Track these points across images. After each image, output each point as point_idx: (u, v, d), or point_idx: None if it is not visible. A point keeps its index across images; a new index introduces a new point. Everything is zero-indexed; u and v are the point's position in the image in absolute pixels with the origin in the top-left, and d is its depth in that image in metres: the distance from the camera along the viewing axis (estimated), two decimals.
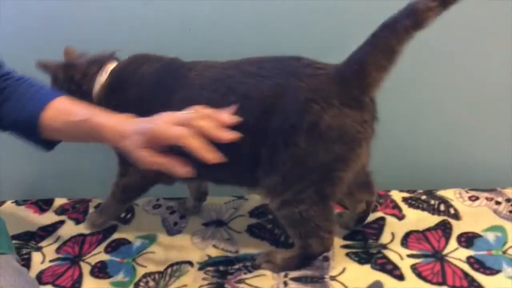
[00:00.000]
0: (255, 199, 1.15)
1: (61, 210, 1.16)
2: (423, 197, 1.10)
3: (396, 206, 1.08)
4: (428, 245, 0.96)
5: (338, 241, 0.99)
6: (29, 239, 1.06)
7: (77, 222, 1.12)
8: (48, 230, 1.09)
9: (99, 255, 1.01)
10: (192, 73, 0.87)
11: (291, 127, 0.78)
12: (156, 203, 1.16)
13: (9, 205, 1.20)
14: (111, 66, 0.96)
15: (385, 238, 0.99)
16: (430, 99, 1.18)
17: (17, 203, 1.20)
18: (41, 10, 1.16)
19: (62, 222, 1.12)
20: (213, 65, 0.88)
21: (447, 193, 1.10)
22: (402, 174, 1.21)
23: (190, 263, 0.96)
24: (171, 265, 0.96)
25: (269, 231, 1.04)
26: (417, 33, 0.74)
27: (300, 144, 0.78)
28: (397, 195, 1.12)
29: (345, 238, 1.00)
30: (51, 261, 1.00)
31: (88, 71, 0.96)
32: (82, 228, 1.09)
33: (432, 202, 1.08)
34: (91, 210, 1.16)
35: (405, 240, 0.98)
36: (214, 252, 0.99)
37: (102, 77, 0.95)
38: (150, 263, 0.97)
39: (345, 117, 0.77)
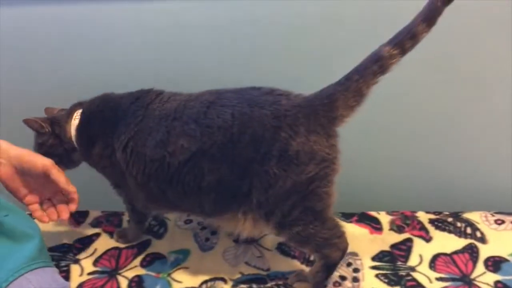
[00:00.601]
0: None
1: (96, 223, 1.20)
2: (450, 219, 1.13)
3: (423, 228, 1.11)
4: (456, 268, 0.98)
5: (367, 262, 1.02)
6: (67, 252, 1.10)
7: (112, 235, 1.15)
8: (85, 243, 1.13)
9: (135, 269, 1.04)
10: (154, 104, 0.93)
11: (263, 155, 0.83)
12: (188, 218, 1.19)
13: None
14: (79, 110, 1.02)
15: (413, 260, 1.02)
16: (457, 123, 1.20)
17: None
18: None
19: (97, 235, 1.15)
20: (175, 97, 0.93)
21: (473, 216, 1.13)
22: (428, 195, 1.24)
23: (223, 279, 1.00)
24: (205, 281, 0.99)
25: (298, 249, 1.07)
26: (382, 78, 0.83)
27: (271, 170, 0.83)
28: (423, 217, 1.14)
29: (373, 259, 1.03)
30: (89, 273, 1.03)
31: (62, 123, 1.03)
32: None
33: (459, 224, 1.11)
34: (124, 224, 1.19)
35: (433, 263, 1.00)
36: (246, 270, 1.02)
37: (75, 122, 1.01)
38: (185, 279, 1.01)
39: (313, 143, 0.82)
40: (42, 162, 0.90)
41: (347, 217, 1.17)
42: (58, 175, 0.90)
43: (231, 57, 1.17)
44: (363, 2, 1.07)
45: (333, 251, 0.91)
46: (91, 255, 1.09)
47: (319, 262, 0.94)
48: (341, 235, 0.92)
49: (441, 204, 1.21)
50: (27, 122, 1.01)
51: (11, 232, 0.86)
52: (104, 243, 1.13)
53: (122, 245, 1.12)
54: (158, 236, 1.14)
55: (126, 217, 1.21)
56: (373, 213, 1.18)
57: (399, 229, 1.11)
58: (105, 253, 1.10)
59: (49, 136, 1.03)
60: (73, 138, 1.02)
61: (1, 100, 1.23)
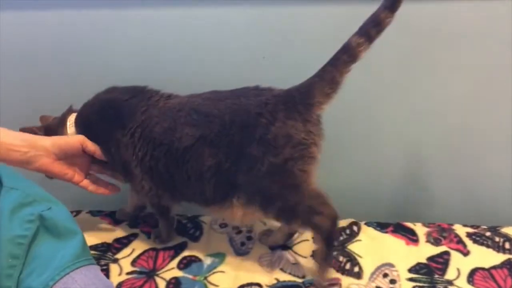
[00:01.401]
0: None
1: (133, 223, 1.22)
2: (488, 233, 1.11)
3: (460, 241, 1.10)
4: (495, 284, 0.97)
5: (403, 274, 1.02)
6: (106, 251, 1.12)
7: (149, 236, 1.17)
8: (123, 243, 1.15)
9: (172, 271, 1.06)
10: (155, 97, 1.02)
11: (246, 137, 0.91)
12: (223, 222, 1.20)
13: (84, 215, 1.26)
14: (72, 117, 1.09)
15: (451, 274, 1.01)
16: (496, 136, 1.19)
17: (92, 213, 1.27)
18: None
19: (135, 235, 1.17)
20: (177, 95, 1.04)
21: None
22: (465, 208, 1.23)
23: (259, 285, 1.00)
24: (242, 286, 1.00)
25: (334, 258, 1.07)
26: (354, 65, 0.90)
27: (252, 152, 0.90)
28: (460, 230, 1.13)
29: (410, 271, 1.03)
30: (127, 273, 1.05)
31: (57, 132, 1.08)
32: (155, 242, 1.15)
33: (497, 239, 1.09)
34: (160, 224, 1.21)
35: (471, 277, 1.00)
36: (282, 276, 1.03)
37: (72, 129, 1.08)
38: (222, 283, 1.02)
39: (289, 127, 0.90)
40: (76, 138, 1.03)
41: (383, 227, 1.16)
42: (93, 147, 1.03)
43: (243, 62, 1.19)
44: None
45: (321, 220, 0.94)
46: (129, 255, 1.11)
47: (316, 238, 0.99)
48: (326, 202, 0.96)
49: (478, 218, 1.19)
50: (23, 130, 1.04)
51: (54, 227, 0.87)
52: (142, 243, 1.15)
53: (159, 246, 1.13)
54: (194, 239, 1.16)
55: None
56: (409, 224, 1.17)
57: (436, 242, 1.10)
58: (142, 253, 1.11)
59: None
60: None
61: (1, 104, 1.25)
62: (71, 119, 1.09)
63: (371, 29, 0.88)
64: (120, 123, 1.02)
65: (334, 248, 1.03)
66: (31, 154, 0.96)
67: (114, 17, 1.19)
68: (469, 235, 1.12)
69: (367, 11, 1.04)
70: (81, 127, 1.08)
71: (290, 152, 0.90)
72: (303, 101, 0.92)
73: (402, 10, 0.88)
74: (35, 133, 1.05)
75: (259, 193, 0.94)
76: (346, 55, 0.89)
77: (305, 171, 0.92)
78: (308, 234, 1.14)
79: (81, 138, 1.03)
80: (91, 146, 1.03)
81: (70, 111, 1.11)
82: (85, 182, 1.06)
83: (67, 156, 1.01)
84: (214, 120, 0.93)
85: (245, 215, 0.97)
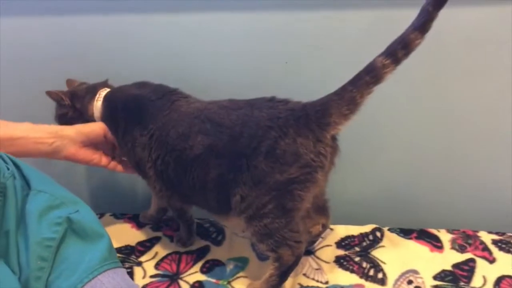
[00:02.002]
0: (340, 229, 1.18)
1: (156, 227, 1.22)
2: None
3: (486, 248, 1.09)
4: None
5: (428, 281, 1.01)
6: (130, 253, 1.13)
7: (172, 239, 1.18)
8: (146, 246, 1.16)
9: (195, 274, 1.06)
10: (181, 101, 1.01)
11: (253, 150, 0.88)
12: None
13: (108, 218, 1.27)
14: (103, 92, 1.09)
15: (476, 281, 1.00)
16: None
17: (115, 216, 1.28)
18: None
19: (158, 239, 1.18)
20: (198, 100, 1.03)
21: None
22: (491, 215, 1.21)
23: None
24: None
25: (357, 264, 1.07)
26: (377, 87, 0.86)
27: (259, 165, 0.88)
28: (486, 237, 1.12)
29: (435, 278, 1.02)
30: (151, 276, 1.06)
31: (84, 100, 1.09)
32: (178, 246, 1.15)
33: None
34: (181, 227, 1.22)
35: (498, 286, 0.99)
36: (305, 281, 1.03)
37: (98, 103, 1.08)
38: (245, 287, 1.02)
39: (299, 145, 0.87)
40: (98, 125, 1.06)
41: (406, 233, 1.15)
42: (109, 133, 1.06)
43: (265, 66, 1.19)
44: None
45: (287, 253, 0.93)
46: (152, 258, 1.12)
47: (273, 265, 0.96)
48: (300, 241, 0.94)
49: (503, 225, 1.18)
50: (49, 93, 1.09)
51: (82, 230, 0.87)
52: (165, 246, 1.16)
53: (181, 250, 1.14)
54: (217, 243, 1.16)
55: None
56: (433, 231, 1.16)
57: (461, 249, 1.09)
58: (166, 257, 1.12)
59: (68, 109, 1.10)
60: (95, 117, 1.09)
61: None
62: (102, 93, 1.09)
63: (399, 50, 0.84)
64: (141, 122, 1.01)
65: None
66: (57, 144, 0.99)
67: (130, 22, 1.20)
68: (494, 242, 1.11)
69: (391, 16, 1.06)
70: (106, 109, 1.08)
71: (296, 173, 0.88)
72: (318, 119, 0.88)
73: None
74: (60, 97, 1.09)
75: (253, 207, 0.91)
76: (370, 76, 0.85)
77: (302, 198, 0.90)
78: (331, 239, 1.14)
79: (103, 125, 1.06)
80: (111, 135, 1.06)
81: (105, 84, 1.12)
82: (113, 164, 1.10)
83: (91, 143, 1.05)
84: (224, 131, 0.92)
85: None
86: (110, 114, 1.07)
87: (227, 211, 0.96)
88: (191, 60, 1.20)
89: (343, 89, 0.88)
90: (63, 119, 1.11)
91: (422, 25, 0.82)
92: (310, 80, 1.18)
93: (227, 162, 0.91)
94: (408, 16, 1.05)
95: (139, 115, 1.02)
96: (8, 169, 0.85)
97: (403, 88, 1.13)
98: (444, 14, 0.84)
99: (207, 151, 0.93)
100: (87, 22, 1.19)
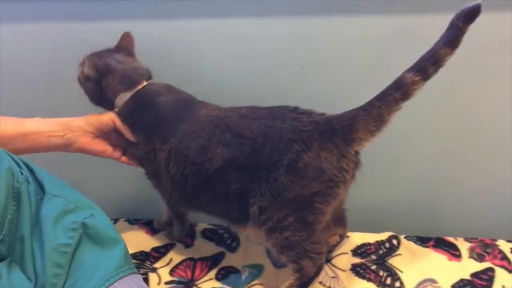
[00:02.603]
0: (356, 237, 1.17)
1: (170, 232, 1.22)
2: None
3: (504, 258, 1.07)
4: None
5: None
6: (145, 259, 1.13)
7: (187, 245, 1.17)
8: (161, 252, 1.15)
9: (210, 281, 1.06)
10: (202, 110, 0.98)
11: (274, 163, 0.87)
12: None
13: (122, 223, 1.27)
14: (138, 86, 1.03)
15: None
16: None
17: (130, 222, 1.28)
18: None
19: (172, 245, 1.18)
20: (219, 107, 0.99)
21: None
22: (509, 223, 1.19)
23: None
24: None
25: (374, 272, 1.06)
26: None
27: (279, 178, 0.86)
28: (505, 245, 1.11)
29: (453, 287, 1.00)
30: (166, 283, 1.06)
31: (117, 86, 1.03)
32: (192, 252, 1.15)
33: None
34: (197, 234, 1.21)
35: None
36: None
37: (126, 96, 1.03)
38: None
39: (323, 160, 0.85)
40: (107, 116, 1.03)
41: (423, 241, 1.14)
42: (122, 124, 1.03)
43: (280, 72, 1.18)
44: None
45: (309, 265, 0.93)
46: (167, 264, 1.11)
47: (293, 276, 0.95)
48: (321, 253, 0.94)
49: None
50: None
51: (97, 235, 0.86)
52: (179, 253, 1.15)
53: (196, 256, 1.13)
54: (231, 250, 1.15)
55: (199, 228, 1.23)
56: (451, 239, 1.15)
57: (479, 257, 1.08)
58: (180, 263, 1.12)
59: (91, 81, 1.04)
60: (116, 106, 1.05)
61: None
62: (136, 88, 1.04)
63: (429, 66, 0.82)
64: (162, 134, 0.99)
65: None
66: (68, 135, 0.99)
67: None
68: None
69: (407, 23, 1.06)
70: (131, 107, 1.03)
71: (318, 187, 0.86)
72: (343, 134, 0.86)
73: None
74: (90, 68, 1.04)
75: (273, 219, 0.89)
76: (399, 93, 0.83)
77: (323, 211, 0.89)
78: (347, 247, 1.13)
79: (112, 115, 1.04)
80: (119, 123, 1.03)
81: (148, 77, 1.07)
82: (125, 158, 1.08)
83: (102, 133, 1.04)
84: (245, 142, 0.90)
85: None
86: (133, 114, 1.03)
87: (247, 221, 0.94)
88: (206, 65, 1.20)
89: (371, 104, 0.86)
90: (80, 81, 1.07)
91: (453, 40, 0.81)
92: (325, 86, 1.17)
93: (248, 174, 0.90)
94: (423, 22, 1.06)
95: (160, 126, 1.00)
96: (22, 173, 0.85)
97: (422, 96, 1.12)
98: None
99: (228, 164, 0.90)
100: (94, 27, 1.19)
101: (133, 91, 1.03)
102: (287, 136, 0.87)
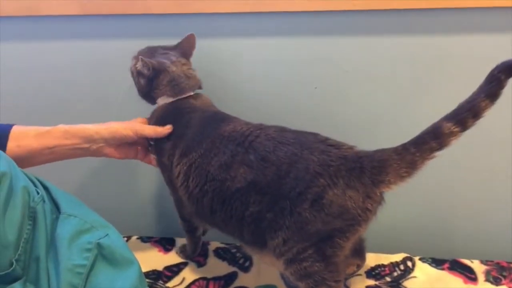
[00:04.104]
0: (370, 258, 1.16)
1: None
2: None
3: None
4: None
5: None
6: (157, 278, 1.12)
7: (199, 265, 1.17)
8: (174, 271, 1.15)
9: None
10: (228, 126, 0.97)
11: (298, 194, 0.85)
12: None
13: (134, 240, 1.27)
14: (182, 96, 1.06)
15: None
16: None
17: (142, 239, 1.27)
18: None
19: (185, 264, 1.17)
20: (247, 124, 0.98)
21: None
22: None
23: None
24: None
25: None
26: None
27: (303, 212, 0.84)
28: None
29: None
30: None
31: (164, 88, 1.06)
32: (205, 272, 1.14)
33: None
34: (210, 253, 1.21)
35: None
36: None
37: (167, 100, 1.06)
38: None
39: (348, 198, 0.83)
40: (129, 129, 1.03)
41: (438, 263, 1.13)
42: (145, 132, 1.04)
43: (294, 91, 1.19)
44: None
45: None
46: (179, 284, 1.11)
47: None
48: (339, 280, 0.91)
49: None
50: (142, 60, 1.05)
51: (112, 256, 0.86)
52: (192, 272, 1.15)
53: (209, 276, 1.13)
54: (244, 269, 1.15)
55: (211, 247, 1.23)
56: (466, 261, 1.13)
57: (495, 281, 1.07)
58: (193, 283, 1.11)
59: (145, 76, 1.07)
60: (157, 105, 1.08)
61: None
62: (179, 96, 1.07)
63: (469, 119, 0.80)
64: (184, 148, 0.99)
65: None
66: (93, 148, 1.02)
67: None
68: None
69: (420, 42, 1.06)
70: (166, 113, 1.06)
71: (340, 224, 0.85)
72: (372, 175, 0.83)
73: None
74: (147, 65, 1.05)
75: (293, 250, 0.88)
76: (436, 142, 0.81)
77: (342, 246, 0.87)
78: (361, 269, 1.12)
79: (135, 126, 1.04)
80: (148, 132, 1.04)
81: (198, 86, 1.09)
82: (148, 159, 1.11)
83: (123, 143, 1.06)
84: (269, 167, 0.88)
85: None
86: (163, 121, 1.05)
87: (261, 245, 0.93)
88: (222, 83, 1.20)
89: (405, 149, 0.83)
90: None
91: (495, 94, 0.79)
92: (338, 106, 1.17)
93: (268, 200, 0.88)
94: (436, 43, 1.06)
95: (184, 141, 1.01)
96: (38, 193, 0.85)
97: (438, 113, 1.12)
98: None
99: (250, 186, 0.89)
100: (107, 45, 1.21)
101: (175, 99, 1.05)
102: (314, 169, 0.85)
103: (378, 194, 0.85)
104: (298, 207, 0.85)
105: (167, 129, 1.04)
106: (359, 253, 1.05)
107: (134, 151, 1.10)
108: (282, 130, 0.93)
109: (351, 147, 0.89)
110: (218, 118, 1.02)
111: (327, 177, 0.84)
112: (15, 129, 0.98)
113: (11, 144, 0.96)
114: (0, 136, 0.96)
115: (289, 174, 0.86)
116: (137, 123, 1.06)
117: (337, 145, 0.88)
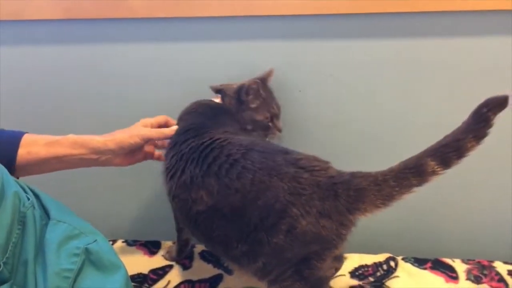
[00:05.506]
0: (354, 258, 1.17)
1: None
2: None
3: (501, 280, 1.08)
4: None
5: None
6: (143, 282, 1.12)
7: (185, 267, 1.17)
8: (159, 274, 1.15)
9: None
10: (195, 138, 0.97)
11: (272, 226, 0.83)
12: None
13: (120, 244, 1.27)
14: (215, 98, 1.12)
15: None
16: None
17: (128, 243, 1.27)
18: None
19: (170, 266, 1.18)
20: (212, 136, 0.95)
21: None
22: (506, 245, 1.20)
23: None
24: None
25: None
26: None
27: (279, 242, 0.83)
28: (501, 267, 1.12)
29: None
30: None
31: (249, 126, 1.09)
32: (190, 274, 1.15)
33: None
34: (195, 255, 1.21)
35: None
36: None
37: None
38: None
39: (321, 227, 0.81)
40: (135, 136, 1.03)
41: (421, 263, 1.15)
42: (149, 135, 1.05)
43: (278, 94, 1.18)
44: None
45: None
46: (165, 286, 1.11)
47: None
48: None
49: None
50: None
51: (99, 261, 0.86)
52: (177, 275, 1.15)
53: (194, 278, 1.13)
54: (229, 272, 1.15)
55: (197, 250, 1.23)
56: (448, 261, 1.15)
57: (476, 280, 1.09)
58: (178, 285, 1.12)
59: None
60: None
61: None
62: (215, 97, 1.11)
63: (454, 159, 0.78)
64: (170, 153, 1.00)
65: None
66: (102, 159, 1.02)
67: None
68: (510, 273, 1.10)
69: (405, 46, 1.08)
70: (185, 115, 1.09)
71: (315, 248, 0.83)
72: (348, 203, 0.81)
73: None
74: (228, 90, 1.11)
75: (273, 273, 0.87)
76: (416, 180, 0.78)
77: (319, 267, 0.86)
78: (344, 269, 1.13)
79: (141, 132, 1.04)
80: (155, 134, 1.05)
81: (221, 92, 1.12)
82: (157, 154, 1.13)
83: (132, 150, 1.06)
84: (234, 194, 0.85)
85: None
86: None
87: (235, 263, 0.94)
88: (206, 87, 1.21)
89: (385, 181, 0.80)
90: None
91: (482, 135, 0.77)
92: (323, 109, 1.19)
93: (234, 227, 0.87)
94: (422, 45, 1.08)
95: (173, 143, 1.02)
96: (29, 199, 0.85)
97: (421, 117, 1.14)
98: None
99: (211, 211, 0.88)
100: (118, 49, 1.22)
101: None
102: (285, 198, 0.82)
103: (353, 221, 0.83)
104: (274, 237, 0.83)
105: (173, 129, 1.05)
106: (336, 258, 1.03)
107: (142, 154, 1.10)
108: (246, 149, 0.88)
109: (325, 168, 0.85)
110: (198, 128, 1.02)
111: (300, 206, 0.81)
112: (26, 137, 0.98)
113: (22, 151, 0.97)
114: (12, 142, 0.97)
115: (256, 202, 0.84)
116: (141, 128, 1.06)
117: (309, 167, 0.84)
